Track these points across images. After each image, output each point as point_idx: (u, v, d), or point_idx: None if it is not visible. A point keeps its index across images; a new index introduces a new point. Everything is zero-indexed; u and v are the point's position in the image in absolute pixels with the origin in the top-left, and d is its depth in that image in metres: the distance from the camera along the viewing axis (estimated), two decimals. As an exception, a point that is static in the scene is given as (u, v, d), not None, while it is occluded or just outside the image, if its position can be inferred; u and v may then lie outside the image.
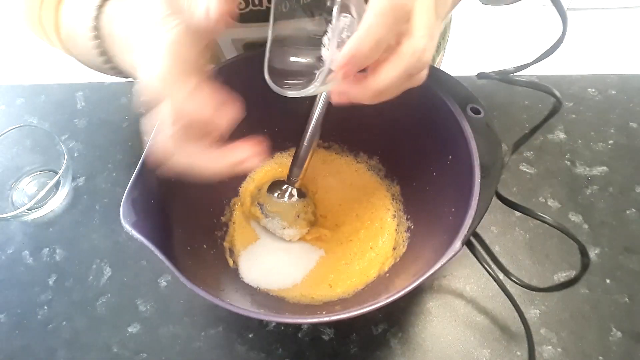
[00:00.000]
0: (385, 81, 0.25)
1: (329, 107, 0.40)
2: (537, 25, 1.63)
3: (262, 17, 0.41)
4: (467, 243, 0.32)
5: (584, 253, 0.31)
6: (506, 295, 0.38)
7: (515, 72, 0.33)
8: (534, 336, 0.41)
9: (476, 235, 0.35)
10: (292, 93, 0.29)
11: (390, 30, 0.23)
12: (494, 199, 0.34)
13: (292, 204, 0.45)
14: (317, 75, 0.27)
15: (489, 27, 1.68)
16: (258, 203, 0.46)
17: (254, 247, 0.47)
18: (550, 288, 0.35)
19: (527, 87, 0.34)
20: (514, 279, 0.36)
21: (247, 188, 0.50)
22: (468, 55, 1.45)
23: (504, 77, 0.34)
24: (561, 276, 0.45)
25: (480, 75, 0.36)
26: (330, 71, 0.25)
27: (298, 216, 0.45)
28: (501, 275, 0.44)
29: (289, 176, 0.44)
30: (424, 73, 0.27)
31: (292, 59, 0.32)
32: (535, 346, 0.42)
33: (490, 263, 0.37)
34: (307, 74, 0.30)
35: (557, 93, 0.33)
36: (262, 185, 0.47)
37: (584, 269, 0.31)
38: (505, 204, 0.36)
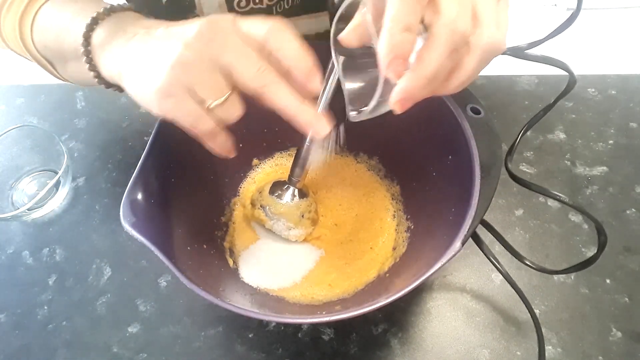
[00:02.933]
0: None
1: (330, 107, 0.40)
2: (540, 24, 1.63)
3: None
4: (474, 236, 0.32)
5: (600, 231, 0.31)
6: (514, 289, 0.38)
7: (528, 49, 0.33)
8: (534, 336, 0.41)
9: (485, 224, 0.35)
10: (361, 117, 0.30)
11: (414, 10, 0.24)
12: (495, 199, 0.34)
13: (296, 204, 0.45)
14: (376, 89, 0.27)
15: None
16: (261, 206, 0.46)
17: (254, 247, 0.47)
18: (566, 270, 0.35)
19: (540, 62, 0.33)
20: (528, 262, 0.36)
21: (248, 188, 0.50)
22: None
23: (517, 53, 0.33)
24: (562, 276, 0.45)
25: None
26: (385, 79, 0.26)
27: (302, 216, 0.45)
28: (500, 277, 0.45)
29: (290, 176, 0.44)
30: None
31: (358, 85, 0.32)
32: (535, 346, 0.42)
33: (488, 269, 0.37)
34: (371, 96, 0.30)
35: (571, 69, 0.33)
36: (263, 187, 0.47)
37: (601, 247, 0.31)
38: (518, 183, 0.35)
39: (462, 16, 0.24)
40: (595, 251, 0.32)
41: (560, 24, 0.33)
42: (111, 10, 0.34)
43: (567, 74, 0.35)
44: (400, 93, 0.26)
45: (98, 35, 0.33)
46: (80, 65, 0.35)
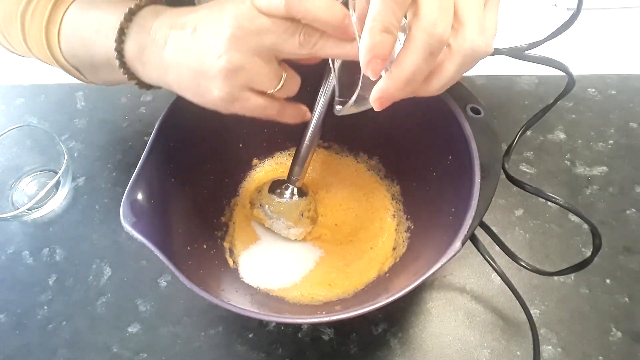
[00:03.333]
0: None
1: (330, 106, 0.40)
2: (540, 25, 1.63)
3: None
4: (471, 237, 0.32)
5: (595, 234, 0.31)
6: (510, 288, 0.38)
7: (528, 50, 0.33)
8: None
9: (482, 225, 0.35)
10: (343, 110, 0.31)
11: (395, 12, 0.24)
12: (495, 199, 0.34)
13: (296, 203, 0.45)
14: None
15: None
16: (260, 205, 0.46)
17: (254, 247, 0.47)
18: (561, 271, 0.35)
19: (539, 63, 0.33)
20: (523, 264, 0.36)
21: (247, 188, 0.50)
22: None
23: (516, 53, 0.33)
24: (561, 276, 0.45)
25: (494, 52, 0.36)
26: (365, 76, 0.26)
27: (302, 215, 0.45)
28: (500, 277, 0.45)
29: (289, 175, 0.44)
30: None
31: (347, 77, 0.33)
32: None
33: (494, 257, 0.36)
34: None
35: (571, 70, 0.33)
36: (262, 186, 0.47)
37: (596, 250, 0.31)
38: (514, 183, 0.35)
39: (442, 20, 0.24)
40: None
41: (560, 24, 0.33)
42: (131, 14, 0.33)
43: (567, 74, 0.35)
44: (378, 92, 0.26)
45: (130, 48, 0.33)
46: (115, 74, 0.35)
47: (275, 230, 0.46)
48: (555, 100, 0.37)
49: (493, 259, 0.36)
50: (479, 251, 0.36)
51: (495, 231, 0.48)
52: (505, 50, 0.33)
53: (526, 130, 0.39)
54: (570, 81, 0.34)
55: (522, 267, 0.38)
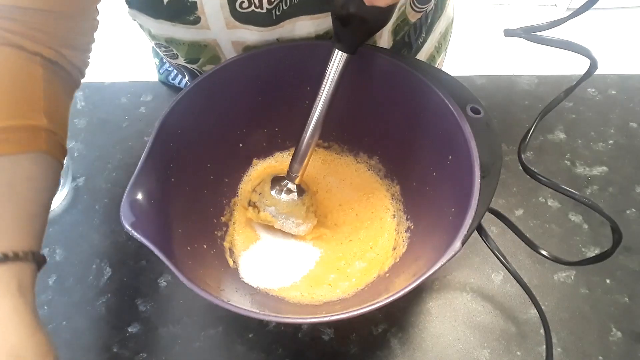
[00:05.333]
0: None
1: (330, 104, 0.40)
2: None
3: (261, 20, 0.41)
4: (478, 228, 0.32)
5: (615, 229, 0.31)
6: (519, 282, 0.37)
7: (548, 29, 0.30)
8: (534, 337, 0.41)
9: (498, 215, 0.34)
10: None
11: None
12: (495, 199, 0.34)
13: (301, 200, 0.45)
14: None
15: (491, 23, 1.68)
16: (266, 207, 0.46)
17: (254, 247, 0.47)
18: (581, 262, 0.34)
19: (559, 47, 0.31)
20: (543, 252, 0.36)
21: (247, 188, 0.50)
22: (470, 51, 1.46)
23: (532, 36, 0.31)
24: (561, 276, 0.46)
25: (507, 32, 0.32)
26: None
27: (307, 210, 0.45)
28: (500, 277, 0.45)
29: (289, 172, 0.44)
30: None
31: None
32: (535, 346, 0.42)
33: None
34: None
35: (593, 54, 0.32)
36: (262, 185, 0.47)
37: (616, 244, 0.31)
38: (529, 174, 0.35)
39: None
40: (605, 248, 0.32)
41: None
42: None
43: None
44: None
45: None
46: None
47: (285, 230, 0.46)
48: (577, 83, 0.35)
49: (504, 256, 0.36)
50: (489, 247, 0.35)
51: (495, 231, 0.48)
52: (520, 31, 0.31)
53: (544, 117, 0.37)
54: (593, 64, 0.32)
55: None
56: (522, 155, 0.35)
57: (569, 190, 0.32)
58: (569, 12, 0.30)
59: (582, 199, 0.31)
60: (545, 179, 0.34)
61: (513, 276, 0.37)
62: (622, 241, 0.46)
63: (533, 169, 0.35)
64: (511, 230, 0.36)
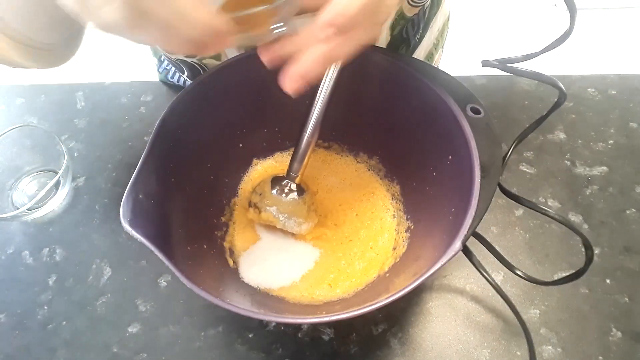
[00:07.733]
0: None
1: (330, 103, 0.40)
2: (540, 24, 1.63)
3: None
4: (464, 249, 0.32)
5: (587, 246, 0.31)
6: (503, 298, 0.38)
7: (522, 62, 0.33)
8: (534, 336, 0.41)
9: (476, 235, 0.35)
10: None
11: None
12: (495, 199, 0.34)
13: (302, 199, 0.45)
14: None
15: (491, 22, 1.68)
16: (267, 207, 0.46)
17: (254, 247, 0.47)
18: (555, 282, 0.35)
19: (529, 78, 0.33)
20: (519, 272, 0.36)
21: (247, 188, 0.50)
22: (470, 51, 1.45)
23: (506, 67, 0.33)
24: (561, 276, 0.45)
25: (484, 63, 0.35)
26: None
27: (309, 209, 0.45)
28: (500, 277, 0.45)
29: (288, 171, 0.44)
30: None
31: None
32: (535, 346, 0.42)
33: (487, 269, 0.37)
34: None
35: (561, 85, 0.33)
36: (262, 185, 0.47)
37: (588, 261, 0.31)
38: (508, 196, 0.36)
39: None
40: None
41: (553, 39, 0.32)
42: None
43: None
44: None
45: None
46: None
47: (287, 229, 0.46)
48: (547, 114, 0.37)
49: (487, 272, 0.37)
50: (474, 265, 0.36)
51: (495, 231, 0.48)
52: (495, 62, 0.33)
53: (518, 144, 0.39)
54: (562, 95, 0.34)
55: (521, 266, 0.38)
56: (500, 178, 0.36)
57: (543, 209, 0.33)
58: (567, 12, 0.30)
59: (555, 216, 0.32)
60: (523, 198, 0.35)
61: (497, 292, 0.38)
62: (622, 241, 0.46)
63: (512, 190, 0.36)
64: (488, 249, 0.37)
